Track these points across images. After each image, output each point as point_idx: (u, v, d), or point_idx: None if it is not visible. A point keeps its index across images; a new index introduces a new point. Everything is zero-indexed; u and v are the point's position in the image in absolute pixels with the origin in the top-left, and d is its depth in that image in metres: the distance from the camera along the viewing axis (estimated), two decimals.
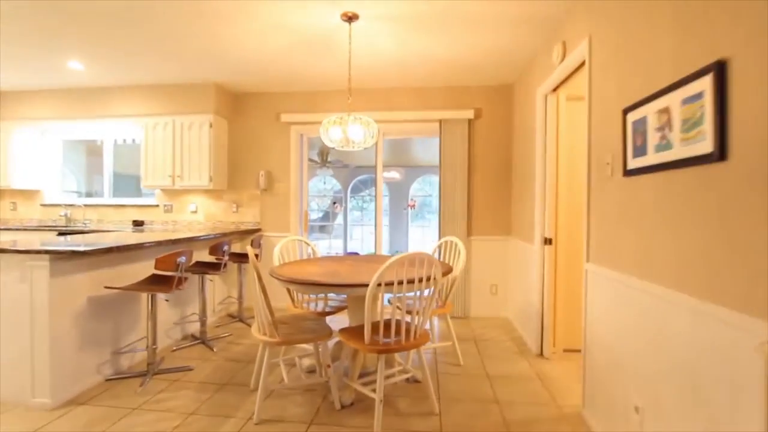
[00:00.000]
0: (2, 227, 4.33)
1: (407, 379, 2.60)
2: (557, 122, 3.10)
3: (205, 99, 4.15)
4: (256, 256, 3.96)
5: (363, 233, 9.38)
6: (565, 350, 3.24)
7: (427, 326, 2.68)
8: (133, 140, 4.86)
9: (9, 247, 2.23)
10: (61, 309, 2.31)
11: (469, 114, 4.10)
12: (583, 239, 2.22)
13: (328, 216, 9.25)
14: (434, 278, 2.11)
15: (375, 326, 2.07)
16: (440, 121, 4.14)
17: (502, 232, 4.18)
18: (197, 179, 4.19)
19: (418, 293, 2.07)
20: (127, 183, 5.17)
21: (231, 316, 4.09)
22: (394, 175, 8.13)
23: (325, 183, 9.01)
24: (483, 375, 2.76)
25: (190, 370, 2.78)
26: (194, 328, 3.57)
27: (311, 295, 2.96)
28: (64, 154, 4.99)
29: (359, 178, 9.16)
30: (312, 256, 3.26)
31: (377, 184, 4.45)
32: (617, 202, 1.87)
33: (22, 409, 2.23)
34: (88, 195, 5.29)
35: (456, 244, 3.10)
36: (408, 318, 2.13)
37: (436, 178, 9.28)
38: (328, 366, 2.27)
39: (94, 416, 2.17)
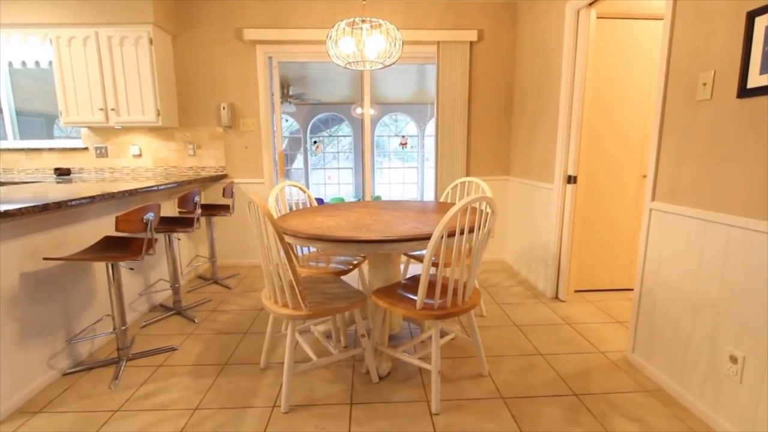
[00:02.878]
0: None
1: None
2: (587, 44, 2.73)
3: (140, 3, 3.15)
4: (229, 207, 3.34)
5: (323, 177, 8.72)
6: (576, 291, 3.19)
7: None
8: (37, 63, 3.71)
9: None
10: None
11: (472, 35, 3.57)
12: (649, 175, 1.97)
13: (286, 159, 8.40)
14: (490, 227, 1.77)
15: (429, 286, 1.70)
16: (438, 44, 3.57)
17: (501, 171, 3.90)
18: (139, 114, 3.31)
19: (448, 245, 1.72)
20: (35, 123, 4.06)
21: (202, 278, 3.49)
22: (371, 111, 7.39)
23: (286, 121, 8.01)
24: (511, 325, 2.58)
25: (175, 350, 2.26)
26: (163, 296, 2.97)
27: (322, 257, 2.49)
28: None
29: (319, 116, 8.27)
30: (309, 205, 2.73)
31: (365, 120, 3.88)
32: (717, 132, 1.59)
33: None
34: None
35: (479, 186, 2.76)
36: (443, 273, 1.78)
37: (402, 116, 8.70)
38: (363, 335, 1.91)
39: (62, 428, 1.64)
